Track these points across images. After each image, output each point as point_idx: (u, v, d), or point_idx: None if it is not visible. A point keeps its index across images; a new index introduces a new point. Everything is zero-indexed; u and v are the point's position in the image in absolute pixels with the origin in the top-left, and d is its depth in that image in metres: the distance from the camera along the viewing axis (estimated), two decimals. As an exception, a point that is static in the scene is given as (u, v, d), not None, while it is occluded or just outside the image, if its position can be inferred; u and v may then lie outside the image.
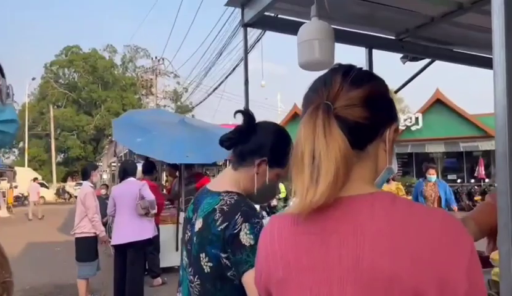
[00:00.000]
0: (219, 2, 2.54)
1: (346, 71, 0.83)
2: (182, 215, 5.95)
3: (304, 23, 2.18)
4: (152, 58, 28.83)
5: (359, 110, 0.78)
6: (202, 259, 1.26)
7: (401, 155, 21.86)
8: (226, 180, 1.39)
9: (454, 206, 7.14)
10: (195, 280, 1.29)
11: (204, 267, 1.26)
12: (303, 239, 0.78)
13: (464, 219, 2.03)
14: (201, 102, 27.33)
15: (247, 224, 1.22)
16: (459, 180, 20.42)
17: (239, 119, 1.43)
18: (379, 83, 0.86)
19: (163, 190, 8.28)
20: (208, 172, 10.99)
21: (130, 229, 4.93)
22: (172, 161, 6.38)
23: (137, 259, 5.01)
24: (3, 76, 1.02)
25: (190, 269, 1.32)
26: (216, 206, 1.28)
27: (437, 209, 0.75)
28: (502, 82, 1.03)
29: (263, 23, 2.57)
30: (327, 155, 0.72)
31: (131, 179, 5.10)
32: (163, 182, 10.71)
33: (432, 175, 7.00)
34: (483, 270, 1.66)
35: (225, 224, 1.23)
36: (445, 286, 0.66)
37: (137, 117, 6.92)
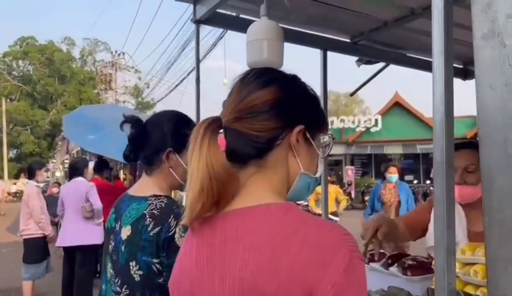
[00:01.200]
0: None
1: (242, 78, 0.82)
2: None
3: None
4: (112, 52, 28.13)
5: (250, 121, 0.77)
6: (131, 268, 1.21)
7: (361, 156, 22.47)
8: (148, 186, 1.34)
9: None
10: (124, 290, 1.23)
11: (134, 275, 1.21)
12: (202, 251, 0.77)
13: (395, 220, 2.09)
14: (162, 98, 26.86)
15: (180, 226, 1.20)
16: (415, 182, 21.20)
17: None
18: (275, 87, 0.81)
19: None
20: (166, 171, 10.72)
21: (76, 231, 4.75)
22: (125, 160, 6.17)
23: (86, 261, 4.82)
24: None
25: (116, 280, 1.26)
26: (145, 211, 1.24)
27: (330, 224, 0.73)
28: (440, 89, 1.01)
29: (216, 20, 2.50)
30: (197, 170, 0.72)
31: (80, 178, 4.90)
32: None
33: (393, 174, 5.90)
34: (425, 276, 1.69)
35: (158, 228, 1.20)
36: None
37: (90, 113, 6.66)
